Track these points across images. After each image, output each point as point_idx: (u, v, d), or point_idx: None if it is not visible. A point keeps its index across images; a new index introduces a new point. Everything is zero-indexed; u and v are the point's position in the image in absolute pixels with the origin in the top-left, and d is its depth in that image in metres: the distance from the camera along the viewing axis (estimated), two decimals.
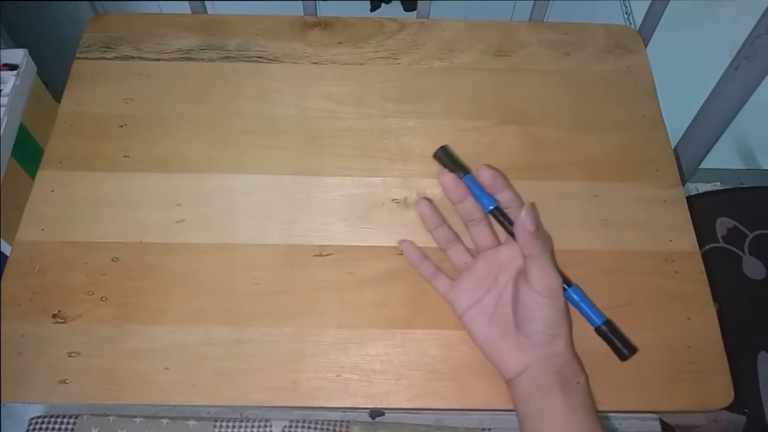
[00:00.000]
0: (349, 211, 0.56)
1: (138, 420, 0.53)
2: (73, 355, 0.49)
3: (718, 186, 1.24)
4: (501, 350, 0.47)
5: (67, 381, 0.48)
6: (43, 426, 0.53)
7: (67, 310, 0.51)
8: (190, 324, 0.50)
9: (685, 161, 0.77)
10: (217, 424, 0.53)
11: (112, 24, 0.67)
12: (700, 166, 0.80)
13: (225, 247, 0.54)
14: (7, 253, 0.57)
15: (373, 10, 1.27)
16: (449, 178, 0.48)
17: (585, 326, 0.48)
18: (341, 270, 0.53)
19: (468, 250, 0.52)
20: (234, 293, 0.52)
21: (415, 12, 0.72)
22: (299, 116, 0.62)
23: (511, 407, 0.47)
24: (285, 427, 0.53)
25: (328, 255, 0.54)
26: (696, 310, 0.52)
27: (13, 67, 0.77)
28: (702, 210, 0.91)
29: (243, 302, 0.52)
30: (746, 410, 0.78)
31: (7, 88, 0.75)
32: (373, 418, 0.54)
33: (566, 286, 0.47)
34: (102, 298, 0.51)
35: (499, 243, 0.50)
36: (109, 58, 0.65)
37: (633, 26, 0.71)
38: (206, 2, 0.70)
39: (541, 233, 0.44)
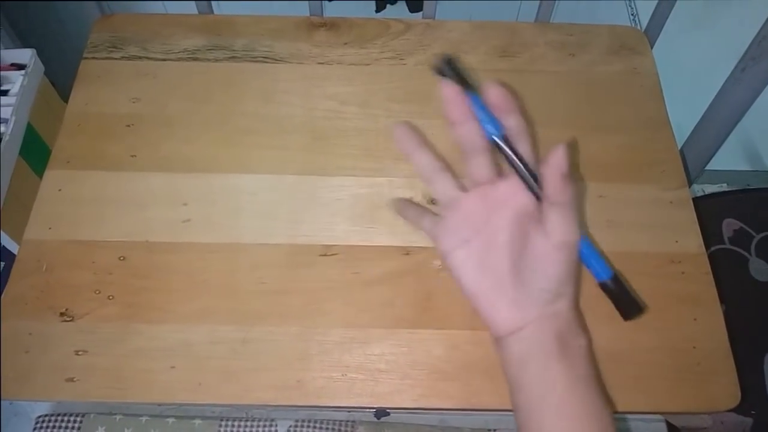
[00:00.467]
0: (355, 211, 0.56)
1: (144, 419, 0.53)
2: (80, 353, 0.49)
3: (724, 187, 1.24)
4: (492, 303, 0.41)
5: (74, 379, 0.48)
6: (50, 424, 0.53)
7: (74, 309, 0.51)
8: (195, 323, 0.51)
9: (692, 162, 0.77)
10: (223, 423, 0.53)
11: (119, 24, 0.68)
12: (707, 168, 0.79)
13: (230, 246, 0.54)
14: (15, 252, 0.57)
15: (378, 11, 1.27)
16: (451, 90, 0.40)
17: (589, 320, 0.48)
18: (346, 270, 0.53)
19: (458, 183, 0.44)
20: (239, 292, 0.52)
21: (420, 13, 0.72)
22: (305, 116, 0.62)
23: None
24: (290, 426, 0.53)
25: (333, 255, 0.54)
26: (702, 311, 0.52)
27: (20, 67, 0.77)
28: (708, 211, 0.90)
29: (248, 301, 0.52)
30: (753, 412, 0.78)
31: (15, 88, 0.76)
32: (378, 418, 0.54)
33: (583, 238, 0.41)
34: (109, 296, 0.52)
35: (498, 178, 0.42)
36: (116, 58, 0.65)
37: (639, 27, 0.71)
38: (213, 3, 0.71)
39: (571, 177, 0.38)
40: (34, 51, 0.79)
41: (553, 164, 0.38)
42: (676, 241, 0.55)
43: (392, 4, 1.27)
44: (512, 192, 0.41)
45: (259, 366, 0.49)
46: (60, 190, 0.57)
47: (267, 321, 0.51)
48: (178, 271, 0.53)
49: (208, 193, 0.57)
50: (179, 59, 0.65)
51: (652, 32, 0.70)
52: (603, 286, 0.42)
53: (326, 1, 1.23)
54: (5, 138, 0.72)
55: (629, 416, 0.54)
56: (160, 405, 0.54)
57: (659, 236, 0.55)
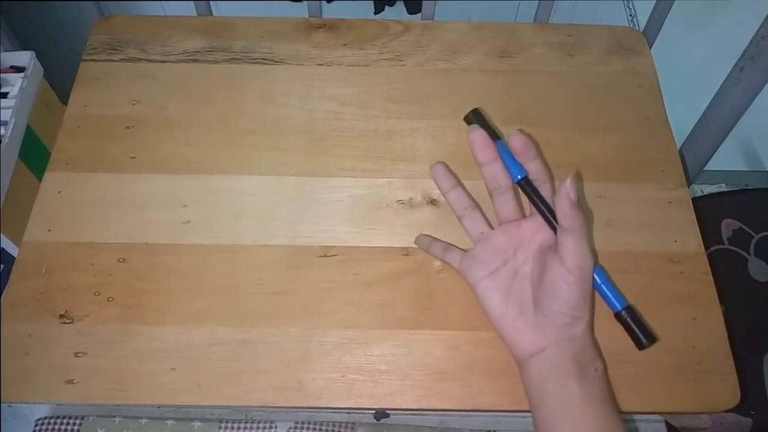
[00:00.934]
0: (354, 212, 0.56)
1: (143, 421, 0.53)
2: (79, 355, 0.49)
3: (723, 187, 1.24)
4: (517, 328, 0.45)
5: (74, 381, 0.48)
6: (49, 427, 0.53)
7: (74, 311, 0.51)
8: (195, 324, 0.51)
9: (690, 163, 0.77)
10: (222, 425, 0.53)
11: (118, 26, 0.68)
12: (705, 168, 0.79)
13: (230, 248, 0.54)
14: (14, 254, 0.57)
15: (377, 12, 1.27)
16: (479, 133, 0.45)
17: (596, 326, 0.48)
18: (346, 271, 0.53)
19: (486, 220, 0.50)
20: (239, 294, 0.52)
21: (419, 14, 0.72)
22: (304, 117, 0.62)
23: (517, 408, 0.47)
24: (290, 428, 0.53)
25: (333, 256, 0.54)
26: (701, 311, 0.52)
27: (20, 70, 0.78)
28: (707, 211, 0.90)
29: (248, 303, 0.52)
30: (752, 412, 0.78)
31: (14, 91, 0.76)
32: (377, 420, 0.54)
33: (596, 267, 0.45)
34: (108, 298, 0.52)
35: (523, 216, 0.48)
36: (115, 60, 0.65)
37: (637, 28, 0.71)
38: (212, 4, 0.71)
39: (581, 206, 0.42)
40: (34, 53, 0.79)
41: (562, 193, 0.41)
42: (675, 241, 0.55)
43: (391, 5, 1.27)
44: (535, 229, 0.46)
45: (259, 367, 0.49)
46: (59, 192, 0.57)
47: (267, 322, 0.51)
48: (177, 273, 0.53)
49: (207, 194, 0.57)
50: (178, 61, 0.65)
51: (650, 32, 0.70)
52: (617, 317, 0.46)
53: (325, 3, 1.23)
54: (4, 140, 0.72)
55: (628, 417, 0.54)
56: (159, 407, 0.54)
57: (658, 236, 0.56)
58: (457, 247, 0.51)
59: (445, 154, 0.60)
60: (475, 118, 0.47)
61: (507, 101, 0.63)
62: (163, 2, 1.09)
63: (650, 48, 0.69)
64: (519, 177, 0.46)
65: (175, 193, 0.57)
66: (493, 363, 0.49)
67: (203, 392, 0.48)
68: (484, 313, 0.48)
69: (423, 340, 0.51)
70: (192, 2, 0.70)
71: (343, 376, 0.49)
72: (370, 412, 0.54)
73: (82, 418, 0.53)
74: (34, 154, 0.78)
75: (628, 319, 0.45)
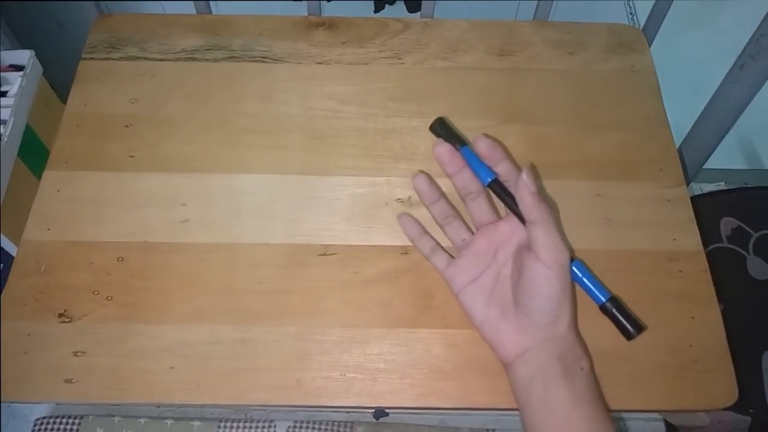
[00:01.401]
0: (353, 211, 0.56)
1: (143, 420, 0.53)
2: (78, 354, 0.49)
3: (722, 186, 1.24)
4: (499, 330, 0.45)
5: (73, 380, 0.48)
6: (49, 426, 0.53)
7: (73, 310, 0.51)
8: (194, 323, 0.51)
9: (690, 161, 0.77)
10: (222, 424, 0.53)
11: (117, 24, 0.68)
12: (705, 166, 0.80)
13: (229, 246, 0.54)
14: (13, 253, 0.57)
15: (377, 11, 1.27)
16: (444, 148, 0.46)
17: (586, 317, 0.48)
18: (345, 269, 0.53)
19: (467, 226, 0.50)
20: (238, 292, 0.52)
21: (419, 12, 0.72)
22: (303, 116, 0.62)
23: (515, 406, 0.47)
24: (289, 427, 0.53)
25: (332, 254, 0.54)
26: (699, 309, 0.52)
27: (19, 68, 0.77)
28: (706, 210, 0.90)
29: (247, 301, 0.52)
30: (751, 411, 0.78)
31: (13, 89, 0.76)
32: (377, 419, 0.55)
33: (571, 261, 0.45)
34: (107, 297, 0.52)
35: (499, 218, 0.48)
36: (114, 59, 0.65)
37: (637, 26, 0.71)
38: (211, 3, 0.71)
39: (543, 197, 0.42)
40: (33, 52, 0.79)
41: (521, 187, 0.42)
42: (674, 239, 0.55)
43: (391, 4, 1.27)
44: (512, 229, 0.47)
45: (258, 366, 0.49)
46: (58, 190, 0.57)
47: (266, 321, 0.51)
48: (176, 272, 0.53)
49: (206, 193, 0.57)
50: (177, 59, 0.65)
51: (649, 30, 0.70)
52: (602, 309, 0.46)
53: (325, 2, 1.23)
54: (4, 139, 0.72)
55: (627, 415, 0.54)
56: (158, 406, 0.54)
57: (657, 234, 0.56)
58: (444, 251, 0.50)
59: None
60: (440, 127, 0.48)
61: (506, 99, 0.63)
62: (163, 1, 1.08)
63: (650, 46, 0.69)
64: (489, 180, 0.46)
65: (174, 192, 0.57)
66: (491, 361, 0.49)
67: (202, 391, 0.48)
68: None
69: (422, 339, 0.51)
70: (192, 0, 0.70)
71: (342, 374, 0.49)
72: (370, 411, 0.54)
73: (82, 418, 0.53)
74: (34, 152, 0.78)
75: (614, 310, 0.45)
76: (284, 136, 0.60)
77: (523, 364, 0.44)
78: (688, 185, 0.60)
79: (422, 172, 0.50)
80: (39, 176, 0.58)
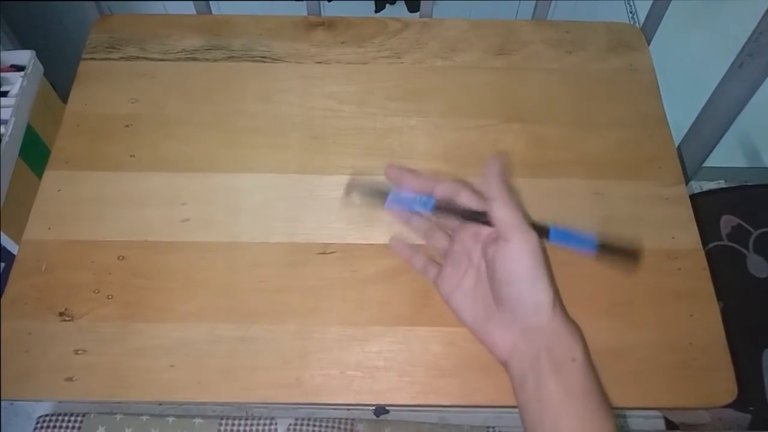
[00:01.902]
0: (352, 210, 0.56)
1: (144, 418, 0.53)
2: (79, 352, 0.49)
3: (722, 184, 1.24)
4: (489, 331, 0.45)
5: (74, 378, 0.48)
6: (51, 424, 0.53)
7: (74, 309, 0.51)
8: (194, 322, 0.51)
9: (689, 159, 0.77)
10: (223, 422, 0.53)
11: (117, 25, 0.68)
12: (704, 165, 0.79)
13: (229, 245, 0.54)
14: (14, 252, 0.57)
15: (377, 11, 1.27)
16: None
17: (587, 317, 0.48)
18: (345, 268, 0.54)
19: (447, 236, 0.50)
20: (238, 291, 0.52)
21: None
22: (303, 115, 0.62)
23: (514, 404, 0.47)
24: (290, 425, 0.53)
25: (331, 253, 0.54)
26: (699, 307, 0.52)
27: (20, 69, 0.78)
28: (706, 208, 0.90)
29: (247, 300, 0.52)
30: (751, 408, 0.78)
31: (14, 89, 0.76)
32: (377, 416, 0.55)
33: (547, 231, 0.45)
34: (108, 296, 0.52)
35: None
36: (114, 59, 0.65)
37: (637, 25, 0.71)
38: (211, 3, 0.71)
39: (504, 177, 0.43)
40: (34, 52, 0.79)
41: (488, 169, 0.43)
42: (673, 237, 0.55)
43: (392, 4, 1.27)
44: (477, 227, 0.46)
45: (258, 364, 0.49)
46: (59, 190, 0.57)
47: (266, 319, 0.51)
48: (177, 270, 0.53)
49: (206, 192, 0.57)
50: (178, 59, 0.65)
51: (648, 29, 0.70)
52: (598, 255, 0.46)
53: (325, 2, 1.23)
54: (5, 139, 0.73)
55: (627, 412, 0.54)
56: (160, 404, 0.54)
57: (656, 232, 0.56)
58: (436, 263, 0.50)
59: (443, 151, 0.60)
60: (359, 190, 0.49)
61: (505, 99, 0.63)
62: (164, 2, 1.09)
63: (648, 45, 0.69)
64: (430, 207, 0.46)
65: (174, 191, 0.57)
66: (490, 359, 0.48)
67: (203, 389, 0.48)
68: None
69: (421, 337, 0.51)
70: (191, 1, 0.70)
71: (341, 372, 0.49)
72: (370, 408, 0.55)
73: (84, 416, 0.54)
74: (35, 152, 0.79)
75: (610, 249, 0.46)
76: (284, 136, 0.61)
77: (515, 361, 0.43)
78: (687, 183, 0.60)
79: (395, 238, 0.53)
80: (40, 176, 0.58)
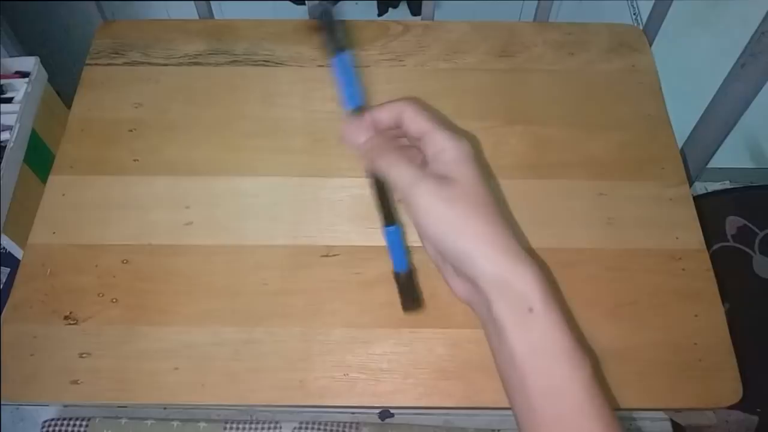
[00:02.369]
0: (356, 212, 0.57)
1: (149, 422, 0.53)
2: (84, 355, 0.50)
3: (727, 185, 1.24)
4: (445, 271, 0.40)
5: (79, 381, 0.49)
6: (56, 428, 0.53)
7: (78, 312, 0.51)
8: (198, 325, 0.51)
9: (693, 160, 0.76)
10: (228, 426, 0.53)
11: (120, 30, 0.68)
12: (709, 165, 0.79)
13: (233, 248, 0.55)
14: (19, 257, 0.58)
15: (380, 14, 1.27)
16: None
17: (589, 317, 0.48)
18: (348, 270, 0.54)
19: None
20: (242, 294, 0.52)
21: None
22: (305, 119, 0.62)
23: None
24: (294, 428, 0.53)
25: (334, 255, 0.54)
26: (703, 308, 0.52)
27: (24, 75, 0.78)
28: (711, 209, 0.90)
29: (251, 303, 0.52)
30: (759, 410, 0.77)
31: (19, 96, 0.76)
32: (382, 419, 0.55)
33: (388, 225, 0.42)
34: (112, 299, 0.52)
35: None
36: (118, 64, 0.66)
37: (640, 25, 0.71)
38: (213, 7, 0.71)
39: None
40: (38, 59, 0.80)
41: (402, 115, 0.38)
42: (677, 238, 0.55)
43: (395, 7, 1.28)
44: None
45: (262, 367, 0.49)
46: (64, 194, 0.57)
47: (269, 322, 0.51)
48: (181, 274, 0.53)
49: (210, 196, 0.57)
50: (180, 64, 0.66)
51: (651, 30, 0.70)
52: (395, 276, 0.45)
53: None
54: (10, 145, 0.73)
55: (634, 415, 0.54)
56: (165, 408, 0.54)
57: (660, 233, 0.56)
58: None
59: None
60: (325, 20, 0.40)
61: (508, 100, 0.63)
62: (168, 6, 1.09)
63: (651, 45, 0.69)
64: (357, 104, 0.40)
65: (177, 195, 0.57)
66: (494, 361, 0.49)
67: (206, 392, 0.49)
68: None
69: (425, 339, 0.51)
70: (194, 1, 0.70)
71: (345, 374, 0.49)
72: (375, 412, 0.54)
73: (89, 420, 0.54)
74: (39, 157, 0.79)
75: (398, 282, 0.45)
76: (286, 139, 0.61)
77: (475, 308, 0.38)
78: (691, 184, 0.60)
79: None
80: (44, 180, 0.58)
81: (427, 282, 0.53)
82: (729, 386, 0.49)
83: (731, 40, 0.72)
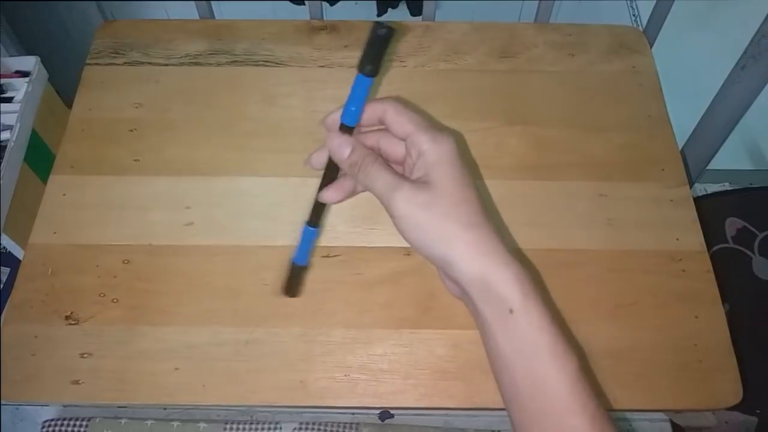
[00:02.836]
0: (356, 213, 0.57)
1: (149, 422, 0.53)
2: (85, 356, 0.50)
3: (726, 187, 1.24)
4: (449, 288, 0.40)
5: (80, 381, 0.49)
6: (56, 429, 0.53)
7: (79, 312, 0.51)
8: (199, 325, 0.51)
9: (693, 162, 0.77)
10: (228, 426, 0.53)
11: (121, 30, 0.68)
12: (709, 167, 0.79)
13: (233, 248, 0.55)
14: (20, 257, 0.58)
15: (380, 15, 1.28)
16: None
17: (589, 318, 0.48)
18: (348, 271, 0.54)
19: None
20: (242, 294, 0.53)
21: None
22: (306, 119, 0.62)
23: None
24: (295, 429, 0.53)
25: (335, 256, 0.54)
26: (703, 309, 0.52)
27: (25, 75, 0.78)
28: (711, 210, 0.90)
29: (251, 303, 0.52)
30: (758, 411, 0.78)
31: (19, 95, 0.76)
32: (382, 420, 0.55)
33: (310, 226, 0.43)
34: (113, 299, 0.52)
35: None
36: (118, 64, 0.66)
37: (640, 27, 0.71)
38: (213, 7, 0.71)
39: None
40: (38, 58, 0.80)
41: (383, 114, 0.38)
42: (677, 239, 0.55)
43: (394, 8, 1.28)
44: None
45: (263, 367, 0.49)
46: (64, 194, 0.57)
47: (270, 322, 0.51)
48: (181, 274, 0.53)
49: (210, 196, 0.57)
50: (181, 64, 0.66)
51: (651, 31, 0.70)
52: (291, 264, 0.48)
53: (327, 6, 1.23)
54: (10, 144, 0.73)
55: (633, 416, 0.54)
56: (165, 409, 0.54)
57: (660, 234, 0.56)
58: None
59: None
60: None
61: (508, 101, 0.63)
62: (166, 6, 1.09)
63: (651, 47, 0.69)
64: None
65: (178, 195, 0.57)
66: None
67: (207, 392, 0.49)
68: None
69: (425, 340, 0.51)
70: (194, 1, 0.70)
71: (345, 375, 0.49)
72: (375, 412, 0.54)
73: (89, 420, 0.54)
74: (39, 157, 0.79)
75: (291, 271, 0.48)
76: (287, 139, 0.61)
77: (467, 305, 0.38)
78: (691, 186, 0.60)
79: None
80: (45, 180, 0.58)
81: (424, 283, 0.53)
82: (729, 387, 0.49)
83: (731, 42, 0.72)
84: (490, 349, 0.36)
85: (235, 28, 0.69)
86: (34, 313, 0.51)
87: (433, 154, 0.37)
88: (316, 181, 0.58)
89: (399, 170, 0.40)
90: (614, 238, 0.55)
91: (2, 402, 0.48)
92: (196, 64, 0.66)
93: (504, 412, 0.53)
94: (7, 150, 0.73)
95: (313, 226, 0.44)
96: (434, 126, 0.38)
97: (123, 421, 0.53)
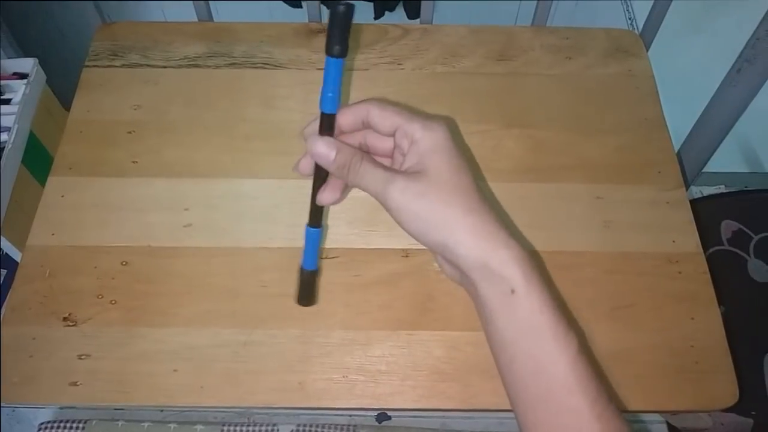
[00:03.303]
0: (354, 214, 0.57)
1: (146, 425, 0.53)
2: (83, 357, 0.50)
3: (722, 189, 1.24)
4: (448, 274, 0.39)
5: (78, 383, 0.49)
6: (53, 431, 0.53)
7: (77, 314, 0.51)
8: (197, 326, 0.51)
9: (689, 164, 0.77)
10: (225, 428, 0.53)
11: (119, 32, 0.68)
12: (704, 170, 0.80)
13: (232, 250, 0.55)
14: (18, 259, 0.58)
15: (377, 17, 1.28)
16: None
17: (590, 319, 0.48)
18: (347, 272, 0.54)
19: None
20: (241, 296, 0.53)
21: (418, 19, 0.72)
22: (304, 121, 0.61)
23: None
24: (292, 431, 0.53)
25: (333, 257, 0.55)
26: (699, 311, 0.52)
27: (23, 76, 0.78)
28: (707, 213, 0.91)
29: (250, 305, 0.52)
30: (753, 413, 0.78)
31: (17, 97, 0.76)
32: (379, 422, 0.55)
33: (312, 227, 0.43)
34: (111, 301, 0.52)
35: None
36: (117, 66, 0.66)
37: (636, 30, 0.72)
38: (212, 10, 0.71)
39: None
40: (36, 60, 0.80)
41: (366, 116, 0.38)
42: (673, 241, 0.56)
43: (391, 10, 1.28)
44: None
45: (261, 368, 0.50)
46: (63, 196, 0.57)
47: (268, 324, 0.51)
48: (179, 275, 0.53)
49: (209, 197, 0.58)
50: (180, 66, 0.66)
51: (647, 34, 0.71)
52: (301, 271, 0.46)
53: (325, 8, 1.23)
54: (8, 146, 0.73)
55: (629, 418, 0.54)
56: (162, 411, 0.54)
57: (656, 236, 0.56)
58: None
59: None
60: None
61: (505, 104, 0.64)
62: (163, 9, 1.09)
63: (648, 50, 0.69)
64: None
65: (176, 197, 0.57)
66: (492, 363, 0.48)
67: (205, 393, 0.49)
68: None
69: (423, 341, 0.51)
70: (193, 1, 0.70)
71: (344, 376, 0.49)
72: (372, 414, 0.55)
73: (86, 422, 0.54)
74: (37, 159, 0.79)
75: (301, 278, 0.46)
76: (285, 142, 0.61)
77: (465, 288, 0.38)
78: (687, 188, 0.60)
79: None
80: (42, 182, 0.58)
81: (422, 284, 0.53)
82: (725, 389, 0.49)
83: (727, 45, 0.73)
84: (491, 333, 0.36)
85: (233, 30, 0.69)
86: (32, 315, 0.51)
87: (426, 141, 0.36)
88: None
89: (388, 164, 0.40)
90: (611, 240, 0.56)
91: (0, 404, 0.48)
92: (195, 66, 0.66)
93: (501, 414, 0.53)
94: (5, 152, 0.73)
95: (315, 227, 0.44)
96: (424, 115, 0.37)
97: (120, 423, 0.53)
